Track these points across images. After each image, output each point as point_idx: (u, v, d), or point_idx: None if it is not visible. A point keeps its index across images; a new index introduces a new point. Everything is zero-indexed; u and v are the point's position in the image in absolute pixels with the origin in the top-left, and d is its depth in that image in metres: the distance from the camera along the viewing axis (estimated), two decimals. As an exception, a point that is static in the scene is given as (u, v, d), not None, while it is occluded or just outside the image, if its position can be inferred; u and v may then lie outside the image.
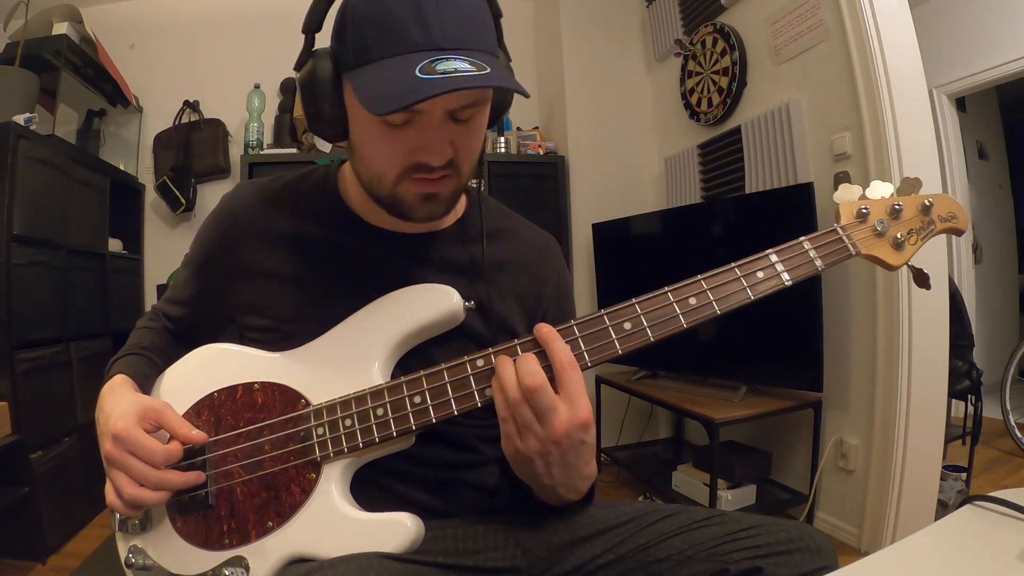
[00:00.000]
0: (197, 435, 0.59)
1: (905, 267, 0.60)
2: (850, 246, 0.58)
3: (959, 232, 0.62)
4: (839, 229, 0.59)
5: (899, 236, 0.59)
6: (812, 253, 0.57)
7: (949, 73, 2.93)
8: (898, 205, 0.59)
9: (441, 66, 0.48)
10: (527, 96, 0.52)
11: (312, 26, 0.57)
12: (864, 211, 0.59)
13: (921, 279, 0.60)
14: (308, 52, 0.58)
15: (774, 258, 0.57)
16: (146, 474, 0.55)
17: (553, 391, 0.51)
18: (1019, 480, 2.25)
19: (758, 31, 2.07)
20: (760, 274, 0.56)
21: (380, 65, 0.51)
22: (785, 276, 0.56)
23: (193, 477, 0.58)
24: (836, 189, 0.60)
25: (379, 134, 0.55)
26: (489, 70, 0.49)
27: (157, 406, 0.59)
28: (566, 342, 0.53)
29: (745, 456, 1.95)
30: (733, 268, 0.56)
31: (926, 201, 0.60)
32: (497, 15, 0.59)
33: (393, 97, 0.48)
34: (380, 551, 0.52)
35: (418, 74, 0.48)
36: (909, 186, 0.61)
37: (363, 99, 0.50)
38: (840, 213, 0.60)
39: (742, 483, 1.85)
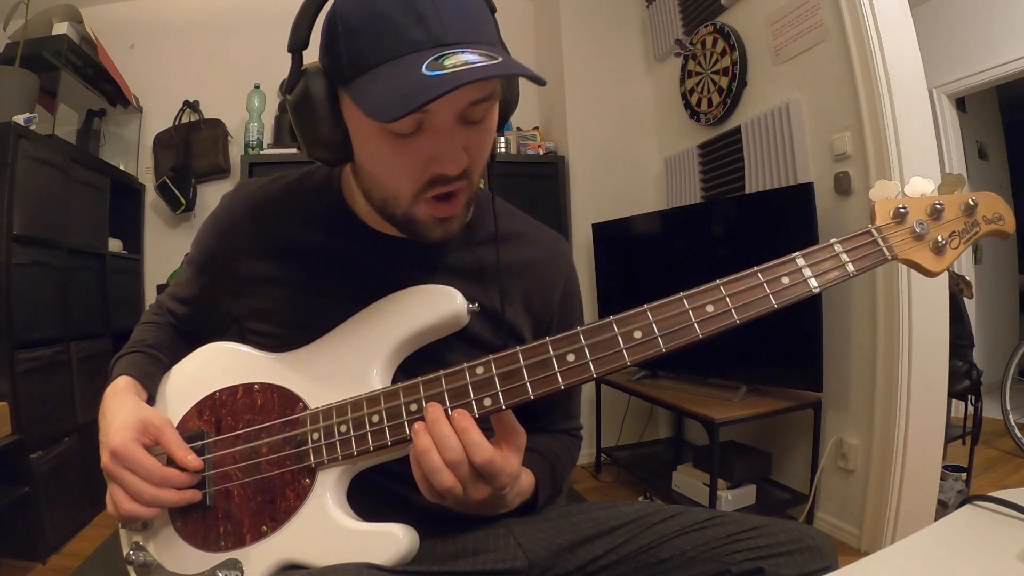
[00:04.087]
0: (193, 461, 0.58)
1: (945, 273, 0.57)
2: (885, 250, 0.52)
3: (1005, 235, 0.56)
4: (874, 231, 0.53)
5: (940, 239, 0.53)
6: (844, 257, 0.51)
7: (949, 73, 2.92)
8: (939, 204, 0.53)
9: (449, 61, 0.45)
10: (543, 83, 0.47)
11: (299, 43, 0.53)
12: (902, 210, 0.53)
13: (967, 286, 0.57)
14: (297, 72, 0.54)
15: (801, 262, 0.51)
16: (141, 490, 0.55)
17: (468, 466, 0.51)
18: (1019, 480, 2.25)
19: (758, 31, 2.07)
20: (785, 280, 0.50)
21: (380, 71, 0.47)
22: (813, 283, 0.50)
23: (189, 496, 0.57)
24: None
25: (388, 148, 0.52)
26: (500, 59, 0.46)
27: (158, 423, 0.59)
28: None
29: (745, 456, 1.95)
30: (756, 272, 0.51)
31: (970, 200, 0.54)
32: (492, 10, 0.56)
33: (400, 101, 0.44)
34: (370, 562, 0.51)
35: (425, 72, 0.44)
36: (951, 183, 0.55)
37: (367, 109, 0.47)
38: (875, 212, 0.54)
39: (742, 483, 1.85)
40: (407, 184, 0.54)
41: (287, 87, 0.55)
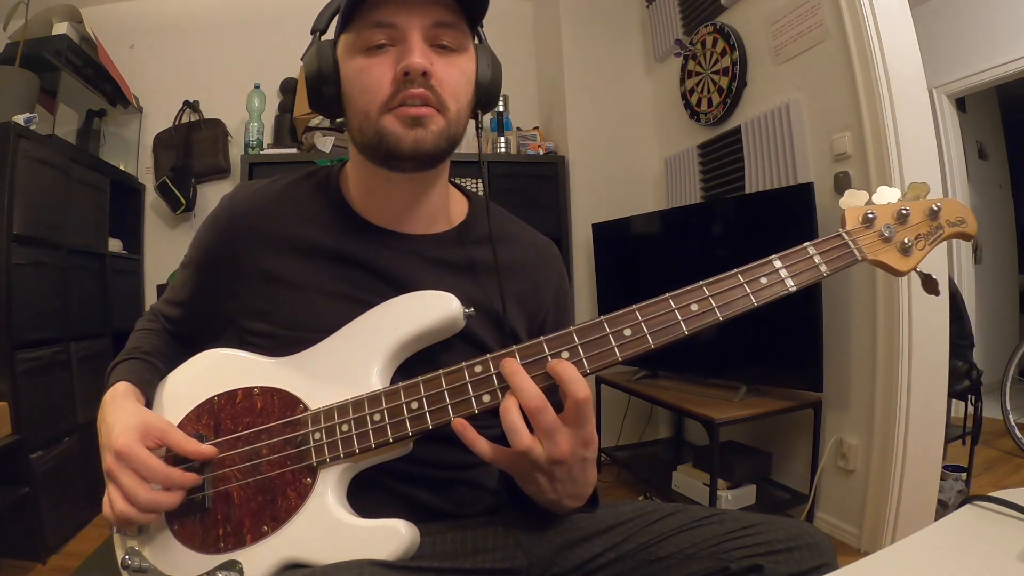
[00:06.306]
0: (207, 449, 0.58)
1: (913, 273, 0.59)
2: (856, 251, 0.57)
3: (968, 237, 0.61)
4: (844, 234, 0.58)
5: (906, 241, 0.58)
6: (817, 259, 0.56)
7: (949, 73, 2.93)
8: (905, 210, 0.58)
9: None
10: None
11: (318, 27, 0.63)
12: (870, 216, 0.58)
13: (930, 285, 0.59)
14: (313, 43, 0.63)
15: (778, 264, 0.55)
16: (137, 492, 0.54)
17: (554, 413, 0.51)
18: (1019, 480, 2.25)
19: (758, 31, 2.07)
20: (764, 280, 0.55)
21: None
22: (789, 282, 0.55)
23: (178, 499, 0.56)
24: (837, 189, 0.60)
25: (363, 62, 0.58)
26: None
27: (161, 425, 0.59)
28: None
29: (745, 456, 1.95)
30: (736, 274, 0.55)
31: (934, 206, 0.59)
32: None
33: None
34: (374, 558, 0.52)
35: None
36: (916, 191, 0.60)
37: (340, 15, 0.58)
38: (846, 218, 0.59)
39: (742, 483, 1.85)
40: (376, 95, 0.58)
41: (304, 54, 0.63)
